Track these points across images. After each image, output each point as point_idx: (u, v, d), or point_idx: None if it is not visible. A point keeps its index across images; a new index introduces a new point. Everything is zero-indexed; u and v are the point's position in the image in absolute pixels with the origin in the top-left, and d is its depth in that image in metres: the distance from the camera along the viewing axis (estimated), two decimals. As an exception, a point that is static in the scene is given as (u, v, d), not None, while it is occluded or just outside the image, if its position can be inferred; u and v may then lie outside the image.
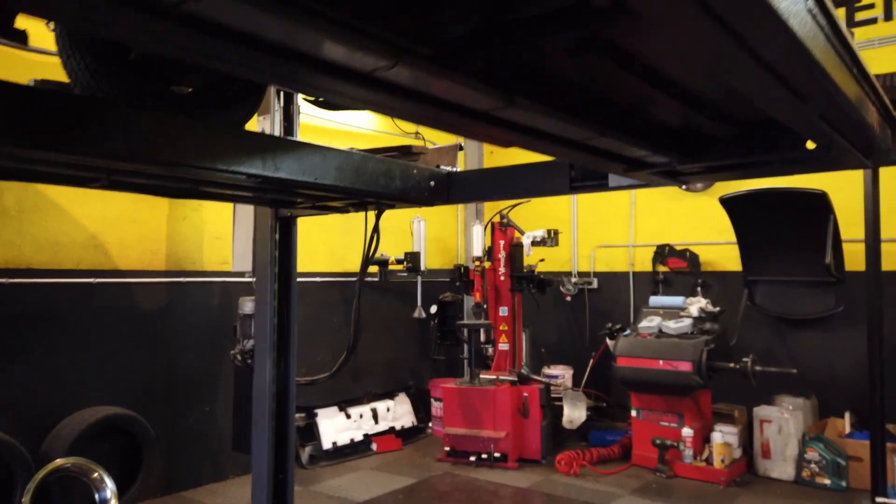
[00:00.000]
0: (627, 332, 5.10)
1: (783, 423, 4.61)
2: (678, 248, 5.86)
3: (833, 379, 5.15)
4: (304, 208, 3.08)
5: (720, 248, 5.66)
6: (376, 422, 5.43)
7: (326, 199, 2.78)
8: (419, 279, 5.29)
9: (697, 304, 5.07)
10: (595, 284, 6.42)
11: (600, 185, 2.53)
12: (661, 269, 5.99)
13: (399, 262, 5.15)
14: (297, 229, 3.27)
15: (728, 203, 4.99)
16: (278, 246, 3.27)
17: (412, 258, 5.11)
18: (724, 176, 2.25)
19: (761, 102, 1.36)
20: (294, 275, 3.27)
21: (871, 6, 5.14)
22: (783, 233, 4.99)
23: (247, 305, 3.82)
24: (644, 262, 6.12)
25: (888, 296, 4.94)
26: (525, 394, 5.00)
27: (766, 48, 0.99)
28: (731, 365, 4.55)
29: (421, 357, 6.32)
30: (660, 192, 5.99)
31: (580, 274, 6.53)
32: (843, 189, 5.19)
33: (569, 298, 6.42)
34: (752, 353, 4.62)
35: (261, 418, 3.29)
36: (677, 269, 5.88)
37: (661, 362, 4.70)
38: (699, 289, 5.77)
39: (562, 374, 5.69)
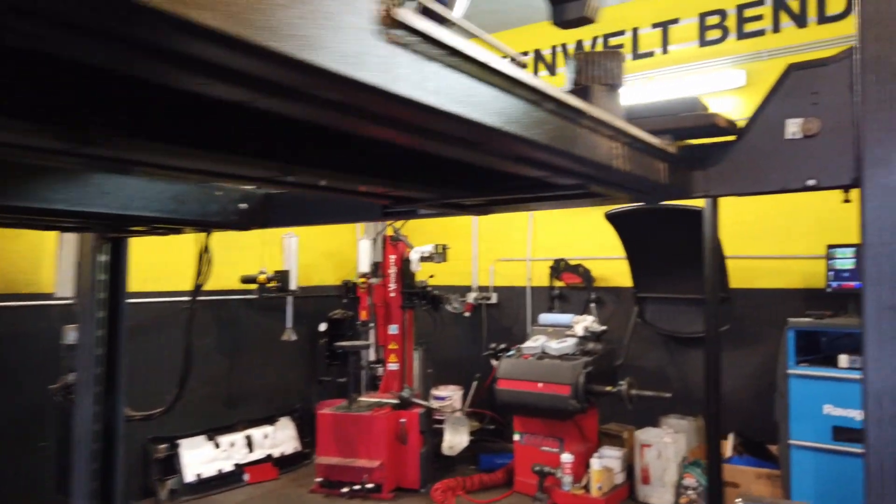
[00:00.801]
0: (512, 352, 4.95)
1: (662, 447, 4.52)
2: (572, 262, 5.75)
3: (720, 399, 5.09)
4: (126, 232, 2.82)
5: (614, 264, 5.56)
6: (251, 450, 5.14)
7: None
8: (290, 299, 5.03)
9: (583, 323, 4.96)
10: (494, 299, 6.27)
11: (410, 212, 2.38)
12: (558, 284, 5.88)
13: (271, 280, 4.89)
14: (130, 249, 3.00)
15: (613, 219, 4.89)
16: (105, 269, 2.98)
17: (281, 277, 4.86)
18: (505, 208, 2.14)
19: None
20: (124, 300, 2.99)
21: (760, 17, 5.13)
22: (668, 249, 4.91)
23: (70, 335, 3.52)
24: (542, 277, 6.00)
25: (767, 313, 4.93)
26: (403, 419, 4.79)
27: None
28: (609, 388, 4.44)
29: (312, 379, 6.06)
30: (557, 205, 5.88)
31: (480, 288, 6.37)
32: (727, 205, 5.16)
33: (467, 314, 6.25)
34: (631, 376, 4.52)
35: (81, 460, 3.00)
36: (572, 284, 5.77)
37: (540, 385, 4.56)
38: (592, 305, 5.68)
39: (451, 395, 5.50)
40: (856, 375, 3.81)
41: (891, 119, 1.55)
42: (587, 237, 5.69)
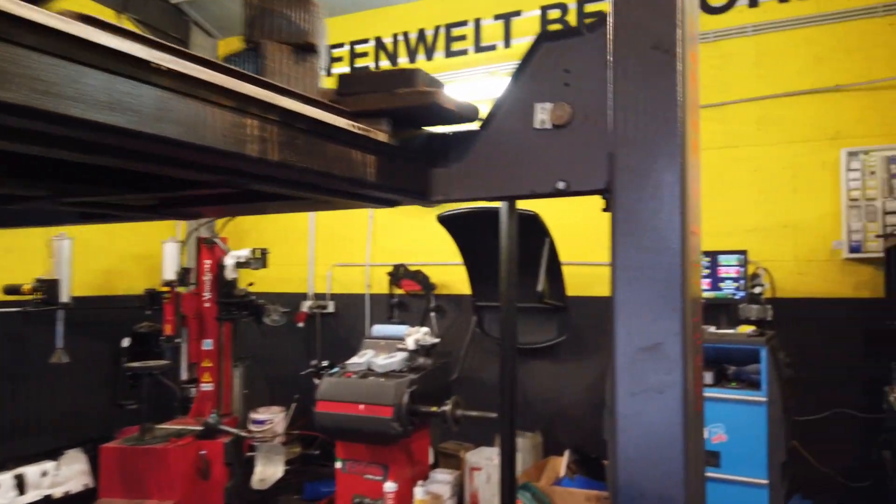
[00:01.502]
0: (336, 369, 4.48)
1: (493, 470, 4.22)
2: (412, 268, 5.37)
3: (560, 412, 4.90)
4: None
5: (455, 270, 5.23)
6: (22, 492, 4.35)
7: None
8: (60, 313, 4.29)
9: (415, 336, 4.58)
10: (331, 308, 5.78)
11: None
12: (398, 291, 5.48)
13: (36, 290, 4.13)
14: None
15: (446, 222, 4.55)
16: None
17: (48, 287, 4.11)
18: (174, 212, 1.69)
19: None
20: None
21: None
22: (498, 251, 4.63)
23: None
24: (382, 284, 5.58)
25: (605, 322, 4.80)
26: (203, 451, 4.20)
27: None
28: (434, 409, 4.08)
29: (114, 403, 5.29)
30: (399, 208, 5.48)
31: (317, 296, 5.86)
32: (564, 207, 4.97)
33: (301, 325, 5.72)
34: (458, 395, 4.18)
35: None
36: (412, 291, 5.40)
37: (361, 407, 4.12)
38: (432, 314, 5.33)
39: (272, 418, 4.96)
40: (681, 391, 3.66)
41: (648, 106, 1.22)
42: (427, 241, 5.33)
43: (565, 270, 4.89)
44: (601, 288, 4.66)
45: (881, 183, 3.90)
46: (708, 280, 4.07)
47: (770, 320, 4.20)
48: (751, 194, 4.34)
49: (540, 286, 4.23)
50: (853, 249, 3.94)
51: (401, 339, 4.73)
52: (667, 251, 1.24)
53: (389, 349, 4.75)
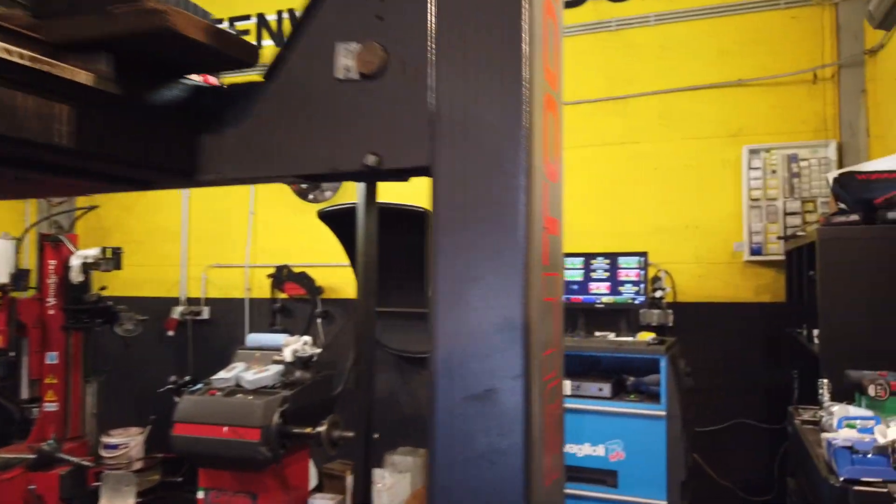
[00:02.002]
0: (199, 386, 3.96)
1: (376, 496, 3.82)
2: (297, 270, 4.91)
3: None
4: None
5: (345, 272, 4.80)
6: None
7: None
8: None
9: (293, 346, 4.12)
10: (206, 314, 5.22)
11: None
12: (281, 295, 5.00)
13: None
14: None
15: (328, 219, 4.11)
16: None
17: None
18: None
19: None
20: None
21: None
22: (395, 257, 4.25)
23: None
24: (265, 287, 5.07)
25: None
26: (33, 486, 3.59)
27: None
28: (308, 430, 3.63)
29: (-61, 425, 4.54)
30: (283, 203, 5.00)
31: (190, 301, 5.28)
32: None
33: (171, 333, 5.13)
34: (336, 414, 3.75)
35: None
36: (297, 295, 4.93)
37: (225, 429, 3.62)
38: (319, 321, 4.89)
39: (127, 442, 4.37)
40: (577, 405, 3.39)
41: (484, 55, 0.86)
42: (314, 240, 4.87)
43: (461, 273, 4.56)
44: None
45: (782, 182, 3.77)
46: (607, 283, 3.83)
47: (671, 326, 4.01)
48: (653, 193, 4.14)
49: (431, 291, 3.85)
50: (754, 251, 3.79)
51: (278, 349, 4.26)
52: (506, 254, 0.87)
53: (264, 361, 4.27)
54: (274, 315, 5.01)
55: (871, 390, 2.08)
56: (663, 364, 3.26)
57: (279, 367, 4.02)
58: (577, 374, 3.53)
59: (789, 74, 3.81)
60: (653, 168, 4.15)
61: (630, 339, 3.58)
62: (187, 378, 4.01)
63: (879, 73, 3.51)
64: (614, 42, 4.25)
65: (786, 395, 3.59)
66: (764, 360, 3.86)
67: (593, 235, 4.23)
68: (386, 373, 4.72)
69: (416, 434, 4.50)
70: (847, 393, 2.18)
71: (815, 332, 2.70)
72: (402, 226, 4.06)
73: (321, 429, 3.60)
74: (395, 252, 4.31)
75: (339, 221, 4.15)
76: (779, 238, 3.76)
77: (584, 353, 3.43)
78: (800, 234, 3.26)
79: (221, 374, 3.99)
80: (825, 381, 2.27)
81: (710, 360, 3.94)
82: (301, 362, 4.01)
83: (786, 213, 3.74)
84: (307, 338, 4.26)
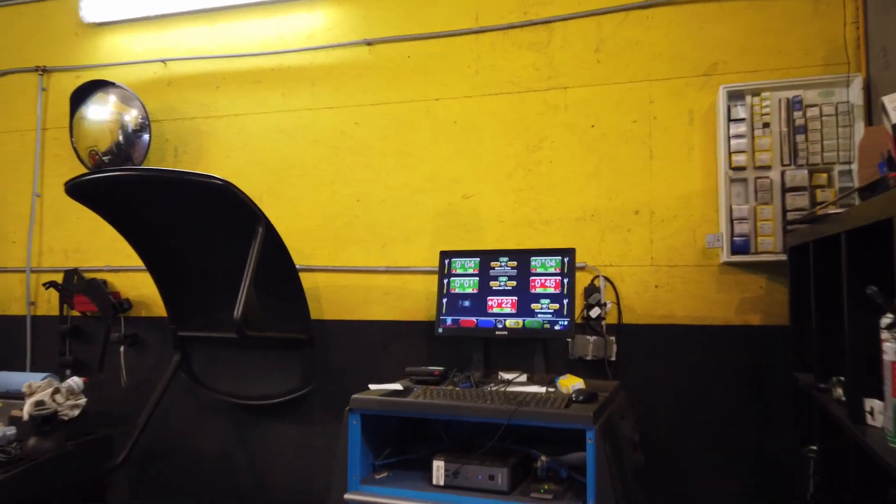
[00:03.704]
0: None
1: None
2: (91, 275, 3.48)
3: (309, 495, 3.19)
4: None
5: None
6: None
7: None
8: None
9: (40, 395, 2.71)
10: (-27, 339, 3.75)
11: None
12: (74, 312, 3.57)
13: None
14: None
15: (82, 195, 2.69)
16: None
17: None
18: None
19: None
20: None
21: None
22: (215, 259, 2.87)
23: None
24: (54, 300, 3.63)
25: (388, 358, 3.15)
26: None
27: None
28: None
29: None
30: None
31: (-45, 320, 3.80)
32: (310, 185, 3.28)
33: (-81, 367, 3.65)
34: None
35: None
36: (91, 312, 3.51)
37: None
38: (122, 348, 3.48)
39: None
40: (456, 498, 2.05)
41: None
42: (114, 235, 3.45)
43: (314, 280, 3.20)
44: (380, 307, 3.00)
45: (779, 141, 2.49)
46: (513, 298, 2.51)
47: (613, 360, 2.70)
48: (586, 161, 2.84)
49: (239, 309, 2.48)
50: (737, 248, 2.50)
51: (18, 397, 2.86)
52: None
53: (3, 416, 2.87)
54: (63, 340, 3.57)
55: None
56: (591, 437, 1.93)
57: (10, 431, 2.63)
58: (457, 450, 2.19)
59: (789, -25, 2.54)
60: (587, 125, 2.85)
61: (540, 389, 2.25)
62: None
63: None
64: (532, -57, 2.93)
65: (789, 480, 2.33)
66: (755, 418, 2.58)
67: (496, 223, 2.92)
68: (215, 427, 3.33)
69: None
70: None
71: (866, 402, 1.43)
72: (198, 210, 2.69)
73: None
74: (209, 251, 2.93)
75: (102, 201, 2.74)
76: (781, 226, 2.48)
77: (465, 419, 2.10)
78: (818, 216, 1.97)
79: None
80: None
81: (672, 418, 2.65)
82: (36, 424, 2.60)
83: (785, 189, 2.46)
84: (71, 382, 2.85)
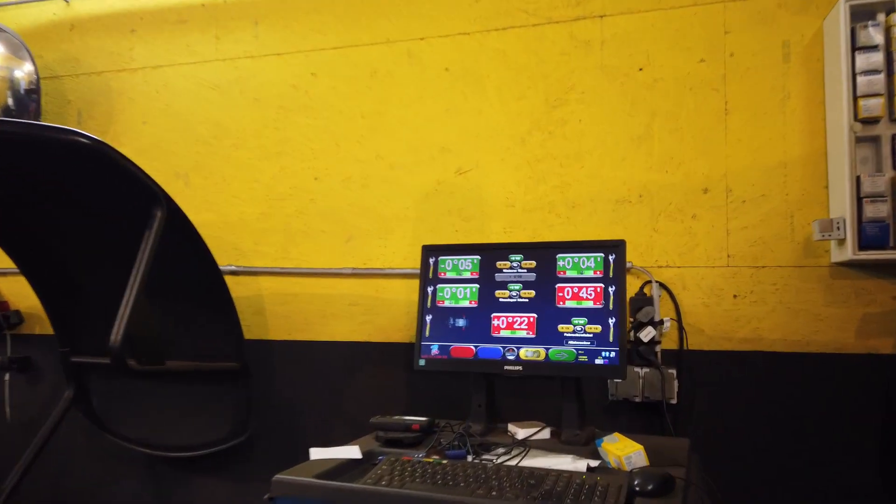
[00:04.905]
0: None
1: None
2: (-34, 282, 2.68)
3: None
4: None
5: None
6: None
7: None
8: None
9: None
10: None
11: None
12: (-50, 329, 2.75)
13: None
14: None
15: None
16: None
17: None
18: None
19: None
20: None
21: None
22: (108, 256, 2.06)
23: None
24: (-68, 313, 2.82)
25: (354, 400, 2.29)
26: None
27: None
28: None
29: None
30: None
31: None
32: (256, 156, 2.47)
33: None
34: None
35: None
36: (-30, 330, 2.70)
37: None
38: (7, 376, 2.67)
39: None
40: None
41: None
42: None
43: (257, 286, 2.39)
44: (344, 323, 2.20)
45: (931, 79, 1.69)
46: (528, 317, 1.69)
47: (674, 403, 1.89)
48: (626, 119, 2.03)
49: (118, 330, 1.67)
50: (870, 241, 1.68)
51: None
52: None
53: None
54: (-64, 365, 2.76)
55: None
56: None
57: None
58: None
59: None
60: (632, 68, 2.03)
61: (576, 465, 1.44)
62: None
63: None
64: None
65: None
66: (892, 497, 1.76)
67: (504, 208, 2.12)
68: (126, 484, 2.52)
69: None
70: None
71: None
72: (124, 195, 1.88)
73: None
74: (121, 248, 2.10)
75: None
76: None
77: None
78: None
79: None
80: None
81: (763, 496, 1.84)
82: None
83: (945, 151, 1.65)
84: None
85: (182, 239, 1.91)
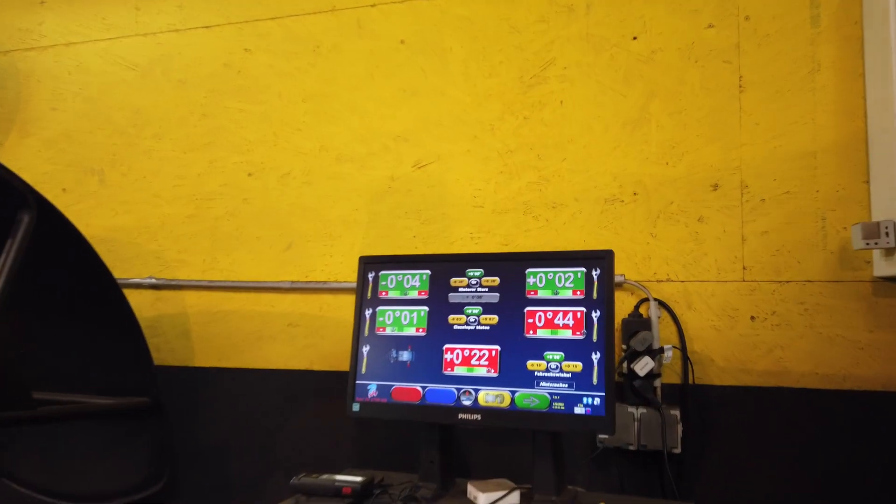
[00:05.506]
0: None
1: None
2: None
3: None
4: None
5: None
6: None
7: None
8: None
9: None
10: None
11: None
12: None
13: None
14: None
15: None
16: None
17: None
18: None
19: None
20: None
21: None
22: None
23: None
24: None
25: (318, 447, 1.87)
26: None
27: None
28: None
29: None
30: None
31: None
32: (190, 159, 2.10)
33: None
34: None
35: None
36: None
37: None
38: None
39: None
40: None
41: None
42: None
43: (180, 302, 2.02)
44: (282, 348, 1.83)
45: None
46: (489, 349, 1.32)
47: (678, 453, 1.53)
48: (618, 99, 1.66)
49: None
50: (929, 249, 1.33)
51: None
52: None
53: None
54: None
55: None
56: None
57: None
58: None
59: None
60: (624, 37, 1.67)
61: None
62: None
63: None
64: None
65: None
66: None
67: (470, 209, 1.76)
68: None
69: None
70: None
71: None
72: None
73: None
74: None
75: None
76: None
77: None
78: None
79: None
80: None
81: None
82: None
83: None
84: None
85: (64, 247, 1.55)
